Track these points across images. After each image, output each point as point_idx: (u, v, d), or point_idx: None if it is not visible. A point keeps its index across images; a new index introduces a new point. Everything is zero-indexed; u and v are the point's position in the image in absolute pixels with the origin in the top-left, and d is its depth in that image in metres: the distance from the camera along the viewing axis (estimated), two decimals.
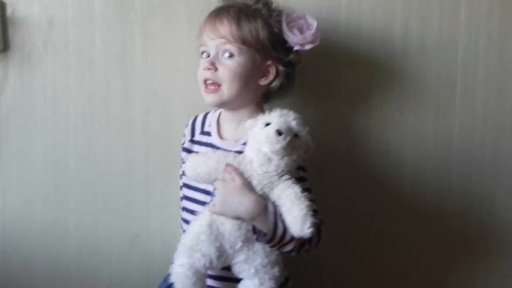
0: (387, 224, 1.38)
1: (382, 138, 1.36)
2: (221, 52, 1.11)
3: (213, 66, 1.11)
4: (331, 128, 1.33)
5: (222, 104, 1.14)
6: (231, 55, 1.10)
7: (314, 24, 1.15)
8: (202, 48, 1.15)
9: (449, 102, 1.37)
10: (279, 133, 1.01)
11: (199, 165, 1.05)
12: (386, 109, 1.35)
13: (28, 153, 1.31)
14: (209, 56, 1.13)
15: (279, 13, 1.15)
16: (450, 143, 1.38)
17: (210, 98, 1.13)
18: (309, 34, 1.14)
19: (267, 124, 1.03)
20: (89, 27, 1.28)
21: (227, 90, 1.11)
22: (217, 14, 1.13)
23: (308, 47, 1.14)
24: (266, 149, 1.02)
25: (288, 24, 1.13)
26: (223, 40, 1.10)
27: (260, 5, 1.14)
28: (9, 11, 1.25)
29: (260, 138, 1.03)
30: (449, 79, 1.36)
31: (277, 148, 1.01)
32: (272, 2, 1.17)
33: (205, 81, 1.12)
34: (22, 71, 1.28)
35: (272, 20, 1.13)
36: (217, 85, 1.11)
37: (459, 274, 1.42)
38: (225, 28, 1.10)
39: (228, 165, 1.04)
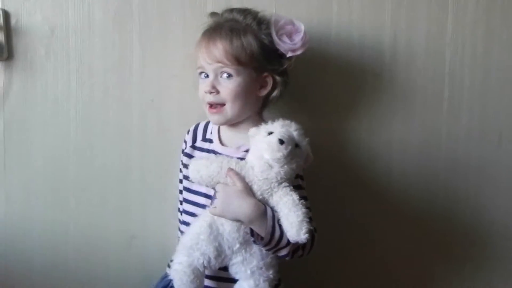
0: (376, 227, 1.41)
1: (371, 145, 1.38)
2: (219, 74, 1.13)
3: (215, 89, 1.13)
4: (322, 134, 1.35)
5: (227, 122, 1.16)
6: (229, 76, 1.12)
7: (301, 27, 1.16)
8: (199, 70, 1.16)
9: (436, 111, 1.39)
10: (281, 142, 1.03)
11: (201, 168, 1.08)
12: (375, 117, 1.38)
13: (29, 157, 1.32)
14: (207, 76, 1.14)
15: (268, 23, 1.15)
16: (436, 150, 1.41)
17: (215, 118, 1.15)
18: (298, 38, 1.15)
19: (270, 133, 1.06)
20: (89, 35, 1.29)
21: (231, 109, 1.13)
22: (210, 37, 1.13)
23: (299, 51, 1.15)
24: (267, 156, 1.05)
25: (277, 32, 1.14)
26: (220, 64, 1.12)
27: (249, 20, 1.14)
28: (13, 21, 1.26)
29: (263, 146, 1.05)
30: (436, 87, 1.39)
31: (279, 156, 1.04)
32: (258, 12, 1.17)
33: (209, 104, 1.15)
34: (25, 78, 1.29)
35: (262, 33, 1.13)
36: (221, 105, 1.14)
37: (443, 275, 1.44)
38: (220, 51, 1.11)
39: (230, 169, 1.06)
